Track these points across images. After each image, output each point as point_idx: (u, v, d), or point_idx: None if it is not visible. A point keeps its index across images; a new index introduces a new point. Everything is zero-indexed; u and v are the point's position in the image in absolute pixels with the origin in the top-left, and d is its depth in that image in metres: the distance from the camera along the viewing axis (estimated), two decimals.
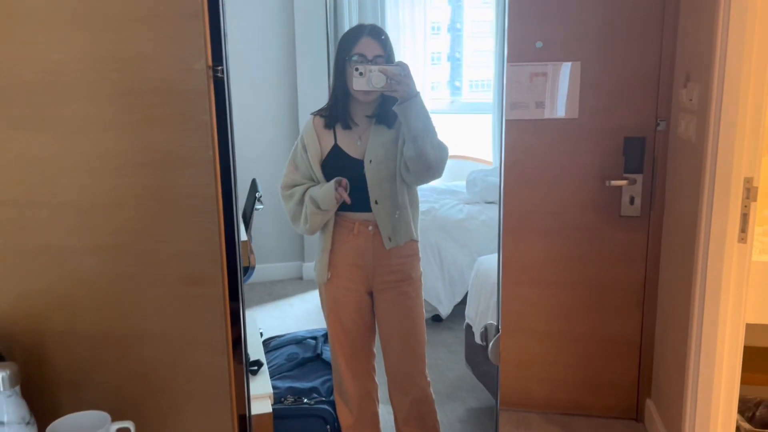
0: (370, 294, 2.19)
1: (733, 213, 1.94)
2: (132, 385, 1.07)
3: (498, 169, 2.48)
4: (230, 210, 0.98)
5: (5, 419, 0.95)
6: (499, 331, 1.59)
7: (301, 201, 2.11)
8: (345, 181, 2.03)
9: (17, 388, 0.96)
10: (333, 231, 2.13)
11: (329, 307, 2.20)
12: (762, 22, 1.82)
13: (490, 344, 2.00)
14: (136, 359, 1.07)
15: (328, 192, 2.02)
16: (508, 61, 2.46)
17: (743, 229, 1.96)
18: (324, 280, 2.16)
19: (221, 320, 1.01)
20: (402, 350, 2.20)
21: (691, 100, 2.14)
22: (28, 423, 0.97)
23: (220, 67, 0.96)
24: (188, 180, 0.98)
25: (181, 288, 1.03)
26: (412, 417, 2.24)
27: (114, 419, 1.01)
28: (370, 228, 2.10)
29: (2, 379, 0.94)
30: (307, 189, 2.11)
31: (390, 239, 2.09)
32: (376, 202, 2.07)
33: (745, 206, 1.94)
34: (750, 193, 1.94)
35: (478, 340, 2.71)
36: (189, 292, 1.02)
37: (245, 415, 1.09)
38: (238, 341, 1.02)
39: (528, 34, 2.44)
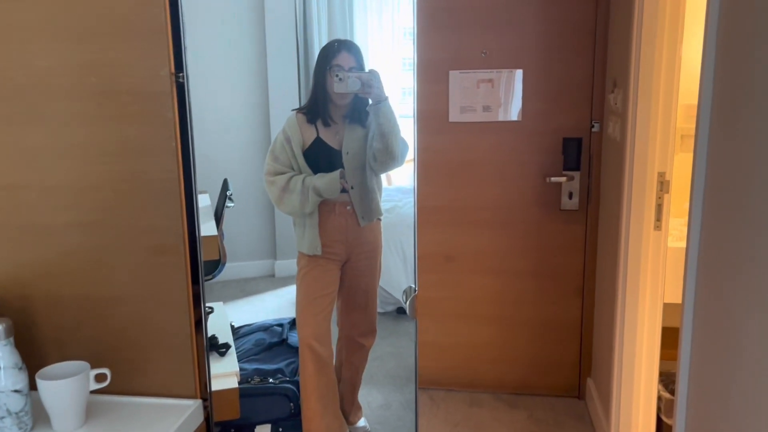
0: (343, 264, 2.52)
1: (649, 204, 2.19)
2: (109, 340, 1.25)
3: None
4: (190, 190, 1.19)
5: (2, 364, 1.13)
6: (415, 292, 1.92)
7: (286, 187, 2.39)
8: (343, 171, 2.38)
9: (11, 339, 1.14)
10: (318, 213, 2.42)
11: (314, 275, 2.45)
12: (669, 35, 2.08)
13: (408, 302, 2.30)
14: (112, 319, 1.25)
15: (332, 181, 2.35)
16: (455, 68, 2.69)
17: (658, 218, 2.21)
18: (318, 252, 2.44)
19: (183, 283, 1.22)
20: (369, 303, 2.59)
21: (616, 104, 2.39)
22: (20, 368, 1.15)
23: (181, 74, 1.17)
24: (155, 166, 1.18)
25: (150, 257, 1.22)
26: (357, 361, 2.67)
27: (93, 368, 1.21)
28: (348, 207, 2.44)
29: None
30: (292, 177, 2.39)
31: (363, 218, 2.46)
32: (352, 188, 2.41)
33: (659, 198, 2.19)
34: (663, 186, 2.19)
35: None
36: (157, 260, 1.21)
37: (206, 368, 1.30)
38: (198, 300, 1.22)
39: (473, 44, 2.68)
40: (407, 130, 2.58)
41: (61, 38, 1.18)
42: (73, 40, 1.18)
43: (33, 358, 1.24)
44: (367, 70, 2.38)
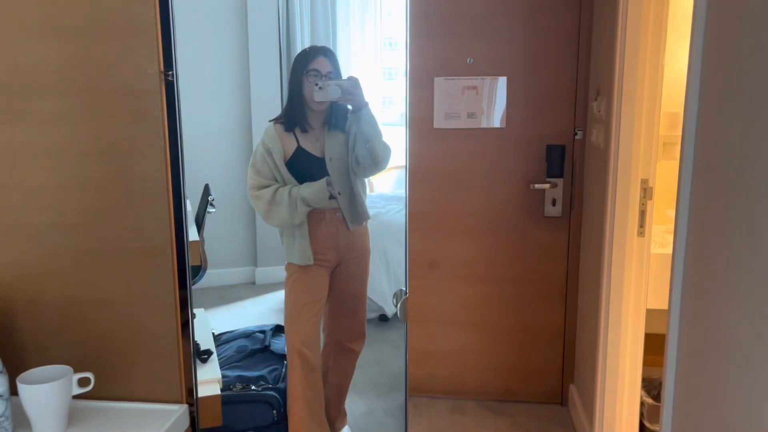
0: (332, 270, 2.50)
1: (633, 210, 2.21)
2: (93, 344, 1.22)
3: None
4: (178, 191, 1.17)
5: None
6: (406, 294, 1.92)
7: (272, 200, 2.34)
8: (329, 179, 2.35)
9: None
10: (308, 222, 2.39)
11: (304, 281, 2.42)
12: (652, 44, 2.11)
13: (399, 305, 2.29)
14: (96, 322, 1.22)
15: (320, 190, 2.31)
16: (441, 75, 2.70)
17: (641, 224, 2.23)
18: (311, 262, 2.40)
19: (170, 287, 1.19)
20: (358, 307, 2.58)
21: (599, 111, 2.41)
22: (0, 372, 1.13)
23: (170, 72, 1.15)
24: (142, 166, 1.16)
25: (135, 259, 1.19)
26: (347, 366, 2.64)
27: (76, 372, 1.18)
28: (338, 214, 2.42)
29: None
30: (278, 189, 2.35)
31: (352, 222, 2.44)
32: (339, 193, 2.38)
33: (643, 204, 2.21)
34: (646, 192, 2.21)
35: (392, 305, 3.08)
36: (143, 263, 1.19)
37: (191, 372, 1.27)
38: (184, 304, 1.20)
39: (459, 51, 2.69)
40: (389, 137, 2.58)
41: (47, 34, 1.15)
42: (59, 36, 1.15)
43: (14, 363, 1.21)
44: (346, 76, 2.36)
